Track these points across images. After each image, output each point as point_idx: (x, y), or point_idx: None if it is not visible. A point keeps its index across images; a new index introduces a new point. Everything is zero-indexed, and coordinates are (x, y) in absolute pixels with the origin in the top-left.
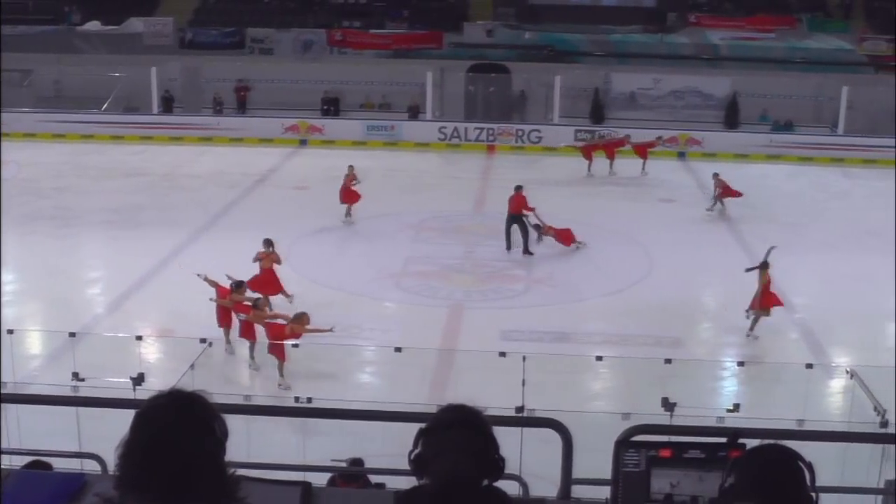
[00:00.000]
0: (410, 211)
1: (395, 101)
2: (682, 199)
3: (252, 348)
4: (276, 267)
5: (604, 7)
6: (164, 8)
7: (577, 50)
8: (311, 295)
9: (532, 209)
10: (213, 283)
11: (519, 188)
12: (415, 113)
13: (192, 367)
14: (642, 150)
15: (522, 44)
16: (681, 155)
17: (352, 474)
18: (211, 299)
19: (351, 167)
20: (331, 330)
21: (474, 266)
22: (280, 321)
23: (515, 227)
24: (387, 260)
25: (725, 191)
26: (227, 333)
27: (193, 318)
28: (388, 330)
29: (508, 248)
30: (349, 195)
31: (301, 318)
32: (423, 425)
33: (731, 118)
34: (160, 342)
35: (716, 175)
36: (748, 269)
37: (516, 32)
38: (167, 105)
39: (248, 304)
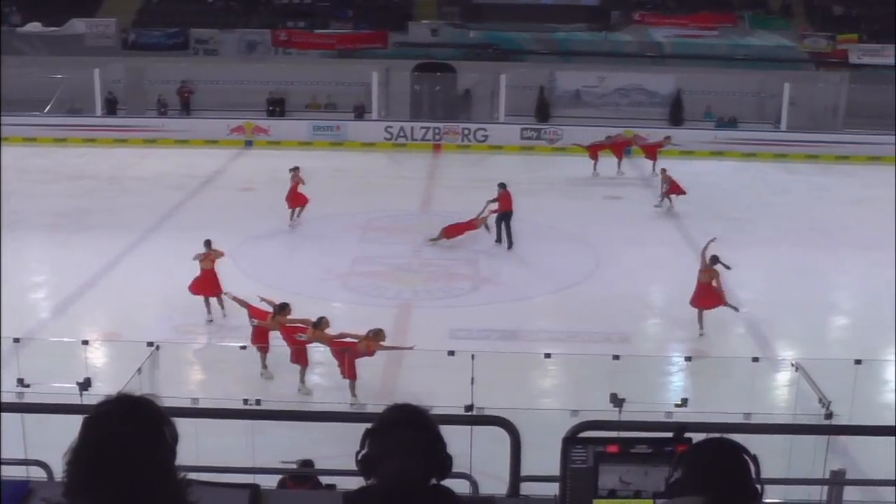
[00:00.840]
0: (357, 211)
1: (340, 101)
2: (627, 195)
3: (303, 373)
4: (216, 267)
5: (548, 5)
6: (106, 8)
7: (521, 48)
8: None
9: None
10: (244, 304)
11: (504, 185)
12: (360, 113)
13: (139, 371)
14: (651, 151)
15: (467, 43)
16: (626, 152)
17: (302, 476)
18: (252, 323)
19: (296, 168)
20: (412, 348)
21: (421, 265)
22: (349, 339)
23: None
24: (334, 260)
25: (673, 187)
26: (263, 357)
27: (140, 321)
28: (337, 331)
29: (511, 245)
30: (298, 198)
31: (378, 335)
32: (370, 425)
33: (676, 115)
34: (106, 346)
35: (663, 171)
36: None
37: (461, 31)
38: (111, 107)
39: (305, 325)
